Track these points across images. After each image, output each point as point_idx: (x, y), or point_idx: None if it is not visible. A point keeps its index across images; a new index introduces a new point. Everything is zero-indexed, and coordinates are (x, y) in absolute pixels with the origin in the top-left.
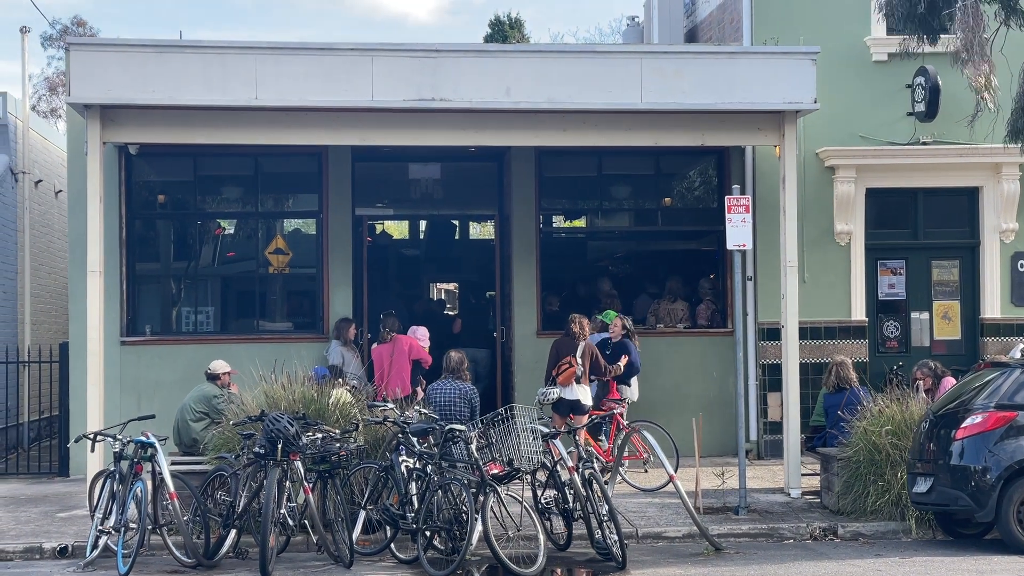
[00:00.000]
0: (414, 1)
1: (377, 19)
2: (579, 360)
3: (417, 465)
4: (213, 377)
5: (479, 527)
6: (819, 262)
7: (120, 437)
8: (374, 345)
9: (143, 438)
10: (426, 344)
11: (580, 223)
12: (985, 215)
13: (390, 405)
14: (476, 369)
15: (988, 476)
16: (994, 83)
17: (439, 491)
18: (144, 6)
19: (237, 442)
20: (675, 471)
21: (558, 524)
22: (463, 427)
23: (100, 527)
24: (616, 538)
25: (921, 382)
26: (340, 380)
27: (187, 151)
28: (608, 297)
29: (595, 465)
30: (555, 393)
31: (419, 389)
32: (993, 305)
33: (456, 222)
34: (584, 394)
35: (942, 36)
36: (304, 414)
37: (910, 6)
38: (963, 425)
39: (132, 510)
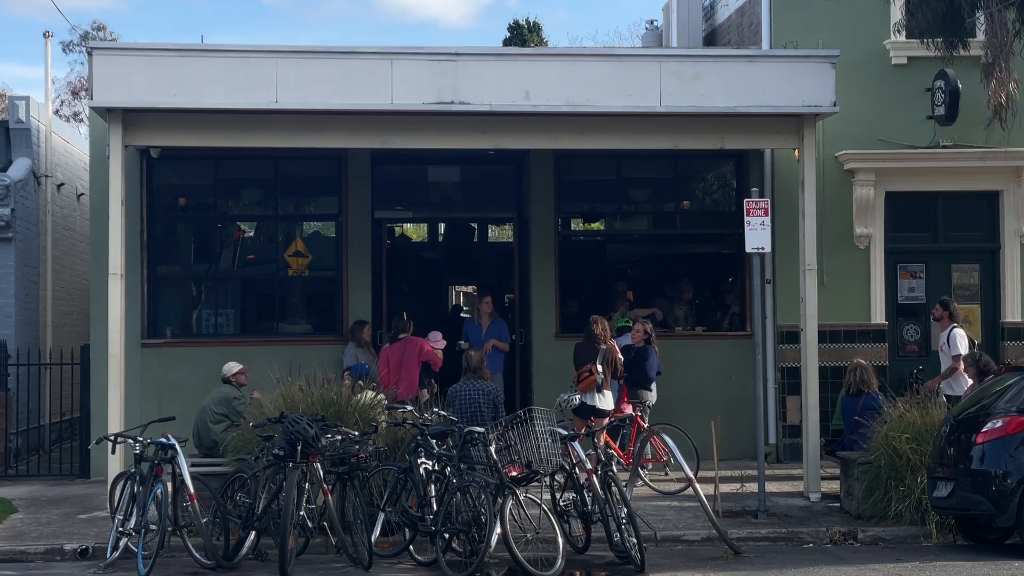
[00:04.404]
0: (445, 5)
1: (407, 22)
2: (599, 367)
3: (436, 467)
4: (229, 380)
5: (498, 529)
6: (838, 266)
7: (141, 439)
8: (384, 345)
9: (163, 440)
10: (440, 348)
11: (599, 226)
12: (1006, 219)
13: (409, 407)
14: None
15: (1009, 480)
16: (1016, 97)
17: (458, 493)
18: (171, 7)
19: (257, 444)
20: (695, 474)
21: (577, 527)
22: (482, 429)
23: (120, 529)
24: (635, 541)
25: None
26: (361, 383)
27: (208, 154)
28: (624, 300)
29: (614, 468)
30: (577, 398)
31: (425, 391)
32: (1014, 309)
33: (475, 225)
34: (605, 400)
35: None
36: (323, 416)
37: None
38: (984, 429)
39: (152, 512)
